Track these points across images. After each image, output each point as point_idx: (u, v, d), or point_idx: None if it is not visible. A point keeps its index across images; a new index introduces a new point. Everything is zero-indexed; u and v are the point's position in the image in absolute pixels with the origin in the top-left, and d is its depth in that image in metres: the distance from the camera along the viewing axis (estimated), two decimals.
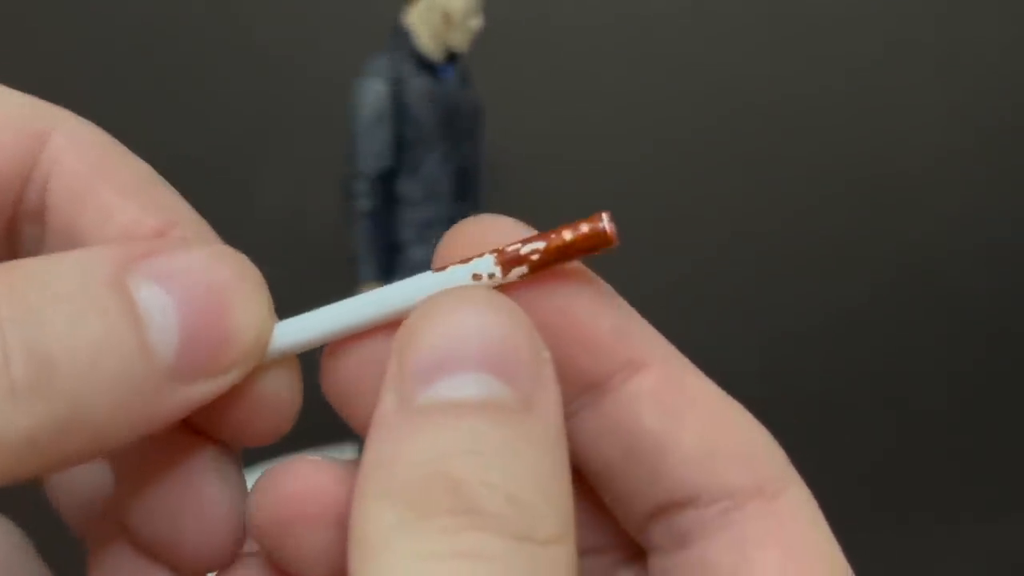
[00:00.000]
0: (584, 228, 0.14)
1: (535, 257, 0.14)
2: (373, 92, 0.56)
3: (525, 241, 0.14)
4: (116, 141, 0.15)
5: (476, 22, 0.58)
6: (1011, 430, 0.80)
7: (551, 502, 0.12)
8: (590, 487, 0.15)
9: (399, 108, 0.57)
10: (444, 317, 0.13)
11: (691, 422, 0.14)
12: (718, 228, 0.82)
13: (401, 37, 0.58)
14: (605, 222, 0.14)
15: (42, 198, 0.15)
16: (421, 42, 0.58)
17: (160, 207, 0.15)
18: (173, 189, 0.16)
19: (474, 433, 0.12)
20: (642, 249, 0.84)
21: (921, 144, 0.82)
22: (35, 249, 0.15)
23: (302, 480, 0.15)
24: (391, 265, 0.59)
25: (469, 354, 0.12)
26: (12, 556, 0.17)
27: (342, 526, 0.14)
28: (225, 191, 0.67)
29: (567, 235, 0.14)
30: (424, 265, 0.64)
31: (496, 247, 0.14)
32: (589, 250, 0.14)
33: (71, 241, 0.15)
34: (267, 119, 0.74)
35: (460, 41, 0.58)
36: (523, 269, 0.14)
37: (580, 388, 0.14)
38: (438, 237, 0.59)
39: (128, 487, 0.15)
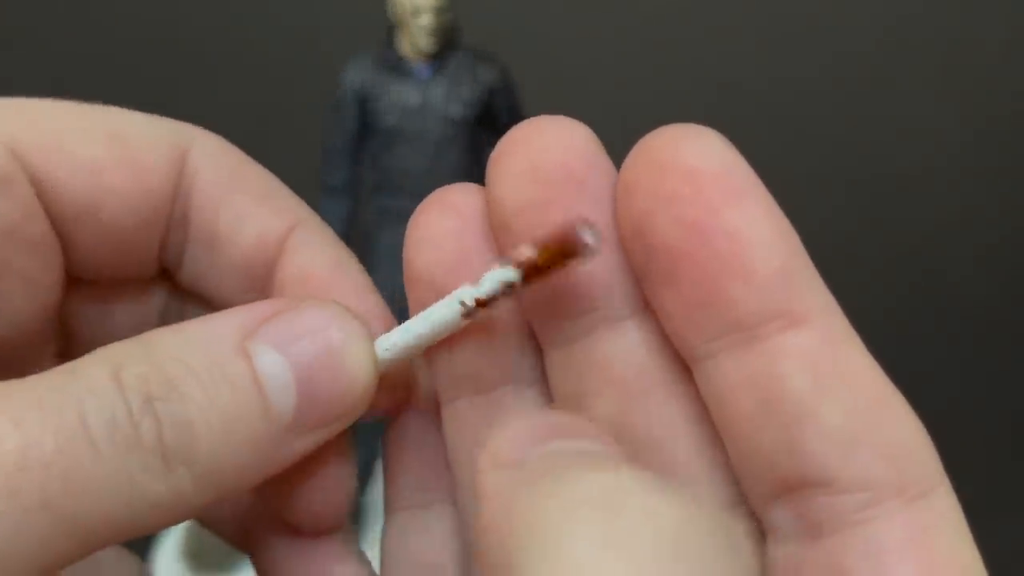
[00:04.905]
0: (565, 247, 0.14)
1: (527, 271, 0.14)
2: (340, 82, 0.61)
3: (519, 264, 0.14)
4: (243, 153, 0.18)
5: (426, 20, 0.57)
6: (1011, 431, 0.80)
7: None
8: (720, 443, 0.14)
9: (360, 100, 0.61)
10: None
11: (840, 396, 0.13)
12: None
13: (389, 35, 0.61)
14: (588, 237, 0.14)
15: (185, 209, 0.17)
16: (398, 40, 0.60)
17: (285, 211, 0.17)
18: (293, 193, 0.18)
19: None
20: None
21: (921, 144, 0.82)
22: (178, 253, 0.18)
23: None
24: (365, 246, 0.63)
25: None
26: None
27: None
28: None
29: (545, 257, 0.14)
30: (387, 249, 0.66)
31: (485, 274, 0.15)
32: (567, 256, 0.14)
33: (211, 245, 0.17)
34: (275, 117, 0.74)
35: (417, 39, 0.59)
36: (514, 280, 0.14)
37: (728, 324, 0.13)
38: (393, 225, 0.57)
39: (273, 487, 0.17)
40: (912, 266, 0.82)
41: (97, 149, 0.16)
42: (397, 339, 0.16)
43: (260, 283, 0.17)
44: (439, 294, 0.15)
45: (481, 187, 0.16)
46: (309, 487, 0.17)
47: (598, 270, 0.14)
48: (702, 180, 0.13)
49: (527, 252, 0.14)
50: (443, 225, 0.16)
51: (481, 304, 0.15)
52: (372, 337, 0.16)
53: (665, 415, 0.15)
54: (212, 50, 0.79)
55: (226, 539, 0.19)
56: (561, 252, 0.14)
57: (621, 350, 0.15)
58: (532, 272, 0.14)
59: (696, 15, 0.78)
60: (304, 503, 0.17)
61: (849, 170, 0.81)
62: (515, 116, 0.63)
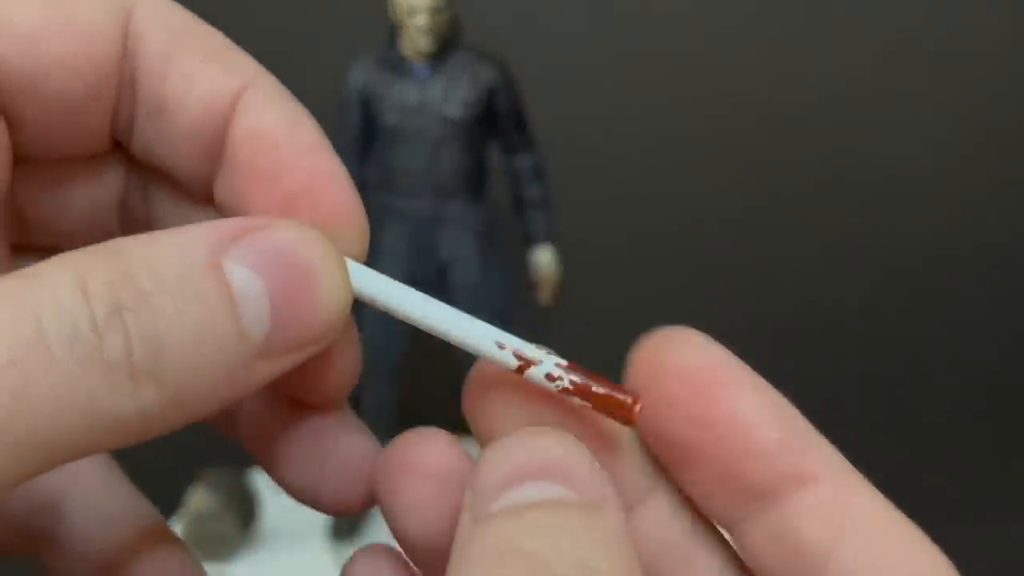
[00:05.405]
0: (617, 398, 0.15)
1: (568, 387, 0.15)
2: (345, 83, 0.62)
3: (572, 369, 0.15)
4: (189, 11, 0.16)
5: (421, 20, 0.58)
6: (1011, 430, 0.80)
7: (623, 572, 0.12)
8: None
9: (363, 100, 0.61)
10: (509, 447, 0.14)
11: (854, 540, 0.14)
12: (718, 229, 0.82)
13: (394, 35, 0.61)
14: (635, 408, 0.15)
15: (132, 74, 0.16)
16: (400, 40, 0.60)
17: (235, 71, 0.16)
18: (245, 52, 0.17)
19: (542, 519, 0.13)
20: (642, 249, 0.84)
21: (921, 145, 0.82)
22: (129, 122, 0.17)
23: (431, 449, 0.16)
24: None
25: (532, 468, 0.13)
26: (111, 478, 0.19)
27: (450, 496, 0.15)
28: None
29: (599, 391, 0.15)
30: (388, 248, 0.66)
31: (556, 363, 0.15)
32: (608, 413, 0.15)
33: (161, 110, 0.16)
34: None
35: (414, 39, 0.59)
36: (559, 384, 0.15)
37: (746, 496, 0.15)
38: (394, 224, 0.58)
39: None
40: (914, 266, 0.82)
41: (36, 15, 0.15)
42: (383, 287, 0.15)
43: (214, 147, 0.16)
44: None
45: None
46: (318, 358, 0.16)
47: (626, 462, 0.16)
48: (697, 380, 0.15)
49: (577, 389, 0.15)
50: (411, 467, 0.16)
51: (502, 346, 0.15)
52: (344, 257, 0.15)
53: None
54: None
55: (217, 429, 0.19)
56: (604, 406, 0.15)
57: (652, 523, 0.16)
58: (585, 409, 0.15)
59: (699, 16, 0.79)
60: (312, 373, 0.16)
61: (849, 173, 0.81)
62: (518, 117, 0.63)
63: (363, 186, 0.64)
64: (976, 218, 0.81)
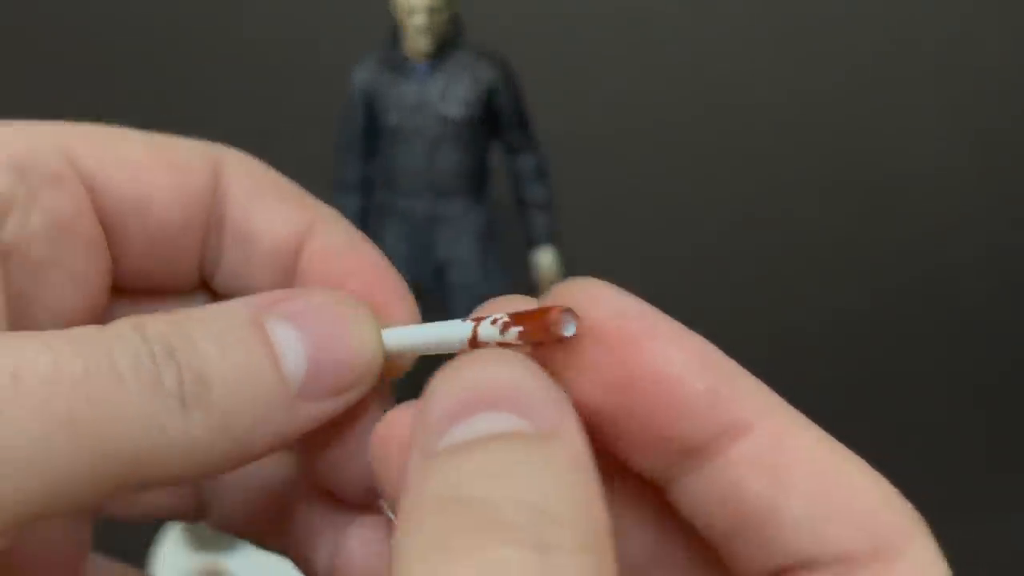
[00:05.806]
0: (545, 311, 0.14)
1: (508, 320, 0.15)
2: (350, 83, 0.63)
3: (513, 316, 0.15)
4: (266, 165, 0.19)
5: (419, 19, 0.58)
6: (1012, 432, 0.80)
7: (578, 512, 0.12)
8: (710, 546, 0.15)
9: (367, 100, 0.62)
10: (454, 375, 0.13)
11: (798, 485, 0.13)
12: (718, 233, 0.82)
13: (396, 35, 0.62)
14: (567, 330, 0.14)
15: (221, 211, 0.19)
16: (402, 40, 0.61)
17: (307, 209, 0.19)
18: (313, 196, 0.19)
19: (491, 457, 0.12)
20: (643, 252, 0.84)
21: (922, 147, 0.82)
22: (216, 255, 0.19)
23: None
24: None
25: (481, 398, 0.13)
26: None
27: None
28: None
29: (529, 309, 0.15)
30: (389, 248, 0.66)
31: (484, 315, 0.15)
32: (543, 332, 0.14)
33: (245, 242, 0.19)
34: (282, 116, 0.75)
35: (413, 39, 0.60)
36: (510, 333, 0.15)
37: (681, 453, 0.14)
38: (395, 224, 0.58)
39: (317, 450, 0.18)
40: (914, 267, 0.82)
41: (142, 152, 0.18)
42: (402, 333, 0.17)
43: (289, 270, 0.19)
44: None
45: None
46: (355, 455, 0.18)
47: None
48: (609, 337, 0.14)
49: (512, 327, 0.15)
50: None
51: (473, 344, 0.15)
52: (378, 318, 0.17)
53: (647, 541, 0.15)
54: (227, 53, 0.79)
55: (256, 540, 0.20)
56: (538, 331, 0.14)
57: None
58: (522, 336, 0.15)
59: (703, 16, 0.79)
60: (350, 471, 0.18)
61: (850, 175, 0.81)
62: (519, 117, 0.63)
63: (370, 186, 0.64)
64: (977, 220, 0.81)
